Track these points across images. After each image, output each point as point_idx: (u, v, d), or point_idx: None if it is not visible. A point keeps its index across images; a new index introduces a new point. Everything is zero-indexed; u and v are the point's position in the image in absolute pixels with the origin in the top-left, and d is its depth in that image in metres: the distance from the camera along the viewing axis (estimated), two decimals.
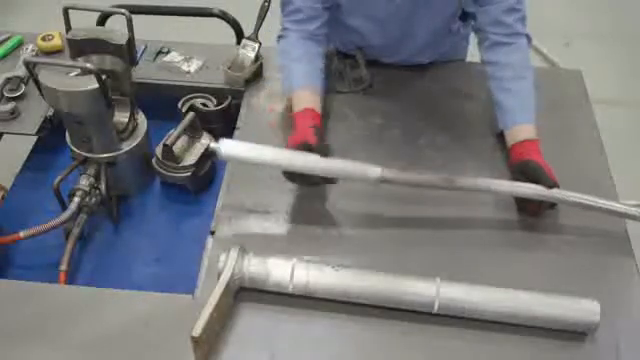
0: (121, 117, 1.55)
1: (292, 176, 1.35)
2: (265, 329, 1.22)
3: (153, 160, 1.59)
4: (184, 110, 1.69)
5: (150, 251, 1.56)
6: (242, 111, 1.66)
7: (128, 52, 1.49)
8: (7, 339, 1.20)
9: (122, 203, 1.63)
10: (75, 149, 1.54)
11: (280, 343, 1.20)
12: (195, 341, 1.10)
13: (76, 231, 1.51)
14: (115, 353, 1.18)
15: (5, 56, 1.82)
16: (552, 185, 1.34)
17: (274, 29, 1.71)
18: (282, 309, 1.24)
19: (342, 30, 1.66)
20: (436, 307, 1.20)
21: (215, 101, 1.74)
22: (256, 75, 1.74)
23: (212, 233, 1.37)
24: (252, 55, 1.73)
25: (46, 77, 1.39)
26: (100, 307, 1.25)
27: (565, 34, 3.53)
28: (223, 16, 1.94)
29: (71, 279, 1.46)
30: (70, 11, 1.51)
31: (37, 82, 1.40)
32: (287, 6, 1.56)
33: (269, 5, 1.76)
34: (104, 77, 1.39)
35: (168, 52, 1.84)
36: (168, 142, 1.54)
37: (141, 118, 1.61)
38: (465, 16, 1.66)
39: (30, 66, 1.43)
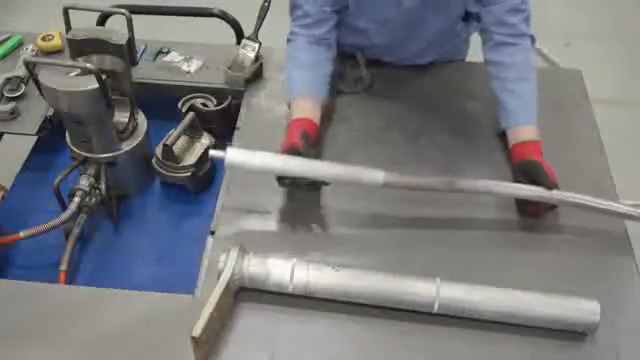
0: (121, 117, 1.55)
1: (282, 181, 1.35)
2: (265, 329, 1.22)
3: (153, 160, 1.59)
4: (184, 110, 1.69)
5: (150, 251, 1.57)
6: (242, 111, 1.66)
7: (128, 52, 1.49)
8: (7, 339, 1.20)
9: (122, 203, 1.63)
10: (75, 149, 1.54)
11: (280, 343, 1.20)
12: (195, 341, 1.10)
13: (76, 231, 1.51)
14: (115, 353, 1.18)
15: (5, 56, 1.82)
16: (552, 186, 1.34)
17: (274, 29, 1.72)
18: (282, 309, 1.24)
19: (346, 31, 1.66)
20: (436, 307, 1.20)
21: (215, 101, 1.74)
22: (256, 75, 1.74)
23: (212, 233, 1.37)
24: (252, 55, 1.73)
25: (46, 77, 1.39)
26: (100, 307, 1.25)
27: (565, 34, 3.53)
28: (223, 16, 1.94)
29: (71, 279, 1.46)
30: (70, 11, 1.51)
31: (37, 82, 1.40)
32: (295, 10, 1.55)
33: (269, 5, 1.76)
34: (104, 77, 1.39)
35: (168, 52, 1.84)
36: (168, 142, 1.54)
37: (141, 118, 1.61)
38: (467, 17, 1.66)
39: (30, 66, 1.43)
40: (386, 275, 1.23)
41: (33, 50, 1.81)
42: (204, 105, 1.72)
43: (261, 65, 1.75)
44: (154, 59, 1.82)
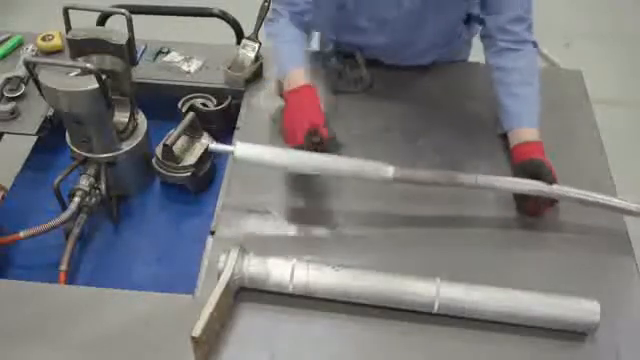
0: (121, 117, 1.55)
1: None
2: (265, 329, 1.22)
3: (153, 160, 1.59)
4: (184, 110, 1.69)
5: (150, 251, 1.56)
6: (242, 111, 1.66)
7: (128, 52, 1.49)
8: (7, 339, 1.20)
9: (122, 203, 1.63)
10: (75, 149, 1.54)
11: (280, 343, 1.20)
12: (195, 341, 1.10)
13: (76, 231, 1.51)
14: (115, 353, 1.18)
15: (5, 56, 1.82)
16: (552, 181, 1.34)
17: None
18: (282, 309, 1.24)
19: (346, 30, 1.66)
20: (436, 307, 1.20)
21: (215, 101, 1.74)
22: (256, 75, 1.74)
23: (212, 233, 1.37)
24: (252, 55, 1.73)
25: (46, 77, 1.39)
26: (100, 307, 1.25)
27: (565, 34, 3.53)
28: (223, 16, 1.94)
29: (71, 279, 1.46)
30: (70, 11, 1.51)
31: (37, 82, 1.40)
32: None
33: (269, 5, 1.75)
34: (104, 77, 1.39)
35: (168, 52, 1.84)
36: (168, 142, 1.54)
37: (141, 118, 1.61)
38: (469, 19, 1.66)
39: (30, 66, 1.43)
40: (386, 275, 1.23)
41: (33, 50, 1.81)
42: (204, 105, 1.72)
43: (261, 65, 1.75)
44: (154, 59, 1.82)
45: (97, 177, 1.54)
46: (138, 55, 1.77)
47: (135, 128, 1.59)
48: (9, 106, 1.64)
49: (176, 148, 1.57)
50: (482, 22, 1.58)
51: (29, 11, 3.46)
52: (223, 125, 1.70)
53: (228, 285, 1.18)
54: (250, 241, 1.29)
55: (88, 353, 1.18)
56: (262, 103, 1.69)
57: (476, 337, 1.22)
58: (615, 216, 1.40)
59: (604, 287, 1.29)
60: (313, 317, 1.23)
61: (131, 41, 1.51)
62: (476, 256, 1.36)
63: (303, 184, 1.46)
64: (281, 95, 1.56)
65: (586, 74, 1.81)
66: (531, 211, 1.42)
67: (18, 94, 1.69)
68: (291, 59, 1.53)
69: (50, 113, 1.66)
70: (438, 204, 1.43)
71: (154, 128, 1.63)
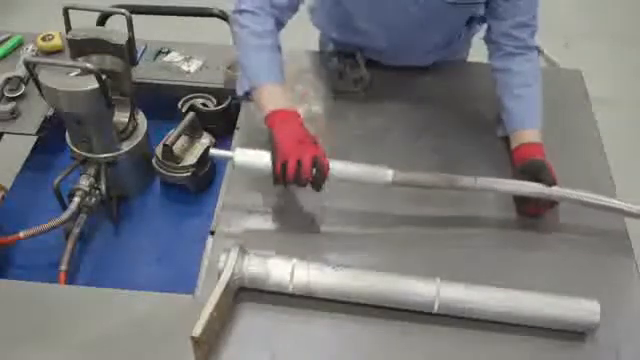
0: (121, 117, 1.55)
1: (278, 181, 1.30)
2: (265, 329, 1.22)
3: (153, 160, 1.60)
4: (184, 110, 1.69)
5: (150, 251, 1.57)
6: (242, 111, 1.66)
7: (128, 52, 1.49)
8: (7, 339, 1.19)
9: (122, 203, 1.63)
10: (75, 149, 1.54)
11: (280, 343, 1.20)
12: (195, 341, 1.10)
13: (76, 231, 1.51)
14: (115, 353, 1.18)
15: (5, 56, 1.82)
16: (552, 183, 1.34)
17: None
18: (282, 309, 1.24)
19: (348, 30, 1.65)
20: (436, 307, 1.20)
21: (215, 101, 1.74)
22: None
23: (212, 233, 1.37)
24: None
25: (46, 77, 1.39)
26: (100, 307, 1.25)
27: (565, 34, 3.53)
28: (223, 16, 1.93)
29: (71, 279, 1.46)
30: (70, 11, 1.51)
31: (37, 82, 1.40)
32: None
33: None
34: (104, 77, 1.39)
35: (168, 52, 1.84)
36: (168, 142, 1.54)
37: (141, 118, 1.61)
38: (470, 20, 1.66)
39: (30, 66, 1.43)
40: (386, 275, 1.23)
41: (33, 50, 1.81)
42: (204, 105, 1.72)
43: None
44: (154, 59, 1.83)
45: (97, 177, 1.54)
46: (138, 55, 1.77)
47: (135, 128, 1.59)
48: (9, 106, 1.65)
49: (176, 148, 1.57)
50: (483, 21, 1.58)
51: (29, 11, 3.46)
52: (223, 125, 1.70)
53: (228, 285, 1.18)
54: (250, 241, 1.29)
55: (88, 353, 1.18)
56: None
57: (476, 337, 1.22)
58: (615, 216, 1.40)
59: (604, 287, 1.29)
60: (313, 317, 1.23)
61: (131, 41, 1.51)
62: (476, 256, 1.36)
63: None
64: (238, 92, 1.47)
65: (586, 74, 1.81)
66: (531, 213, 1.42)
67: (18, 94, 1.69)
68: (270, 70, 1.39)
69: (50, 113, 1.66)
70: (438, 204, 1.43)
71: (154, 128, 1.63)
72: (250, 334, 1.21)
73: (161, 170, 1.58)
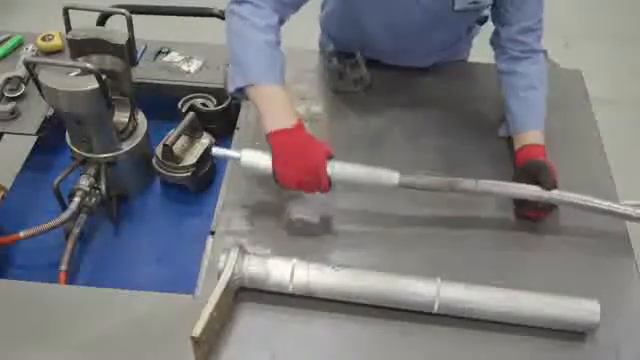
0: (121, 117, 1.55)
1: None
2: (265, 329, 1.22)
3: (153, 160, 1.60)
4: (184, 110, 1.69)
5: (150, 251, 1.57)
6: (242, 111, 1.66)
7: (128, 52, 1.49)
8: (7, 339, 1.19)
9: (122, 203, 1.63)
10: (75, 149, 1.54)
11: (280, 343, 1.20)
12: (195, 341, 1.10)
13: (76, 231, 1.51)
14: (115, 353, 1.18)
15: (5, 56, 1.82)
16: (551, 186, 1.34)
17: None
18: (282, 309, 1.24)
19: (349, 29, 1.65)
20: (436, 307, 1.20)
21: (215, 101, 1.74)
22: None
23: (212, 233, 1.37)
24: None
25: (46, 77, 1.39)
26: (100, 307, 1.25)
27: (565, 34, 3.53)
28: (223, 16, 1.93)
29: (71, 279, 1.46)
30: (70, 11, 1.51)
31: (37, 82, 1.40)
32: None
33: None
34: (104, 77, 1.39)
35: (168, 52, 1.84)
36: (168, 142, 1.54)
37: (141, 118, 1.61)
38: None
39: (30, 66, 1.43)
40: (386, 275, 1.23)
41: (33, 50, 1.81)
42: (204, 105, 1.72)
43: None
44: (154, 59, 1.82)
45: (97, 177, 1.54)
46: (138, 55, 1.77)
47: (135, 128, 1.59)
48: (9, 106, 1.64)
49: (176, 148, 1.57)
50: (484, 21, 1.58)
51: (29, 11, 3.46)
52: (223, 125, 1.70)
53: (228, 285, 1.18)
54: (250, 241, 1.29)
55: (88, 353, 1.18)
56: None
57: (476, 337, 1.22)
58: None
59: (604, 287, 1.29)
60: (313, 317, 1.23)
61: (131, 41, 1.51)
62: (476, 256, 1.36)
63: None
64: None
65: (586, 74, 1.81)
66: (531, 216, 1.41)
67: (18, 94, 1.69)
68: (271, 70, 1.31)
69: (50, 113, 1.66)
70: (438, 204, 1.42)
71: (154, 128, 1.63)
72: (250, 334, 1.21)
73: (161, 170, 1.58)
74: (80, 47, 1.49)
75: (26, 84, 1.71)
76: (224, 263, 1.20)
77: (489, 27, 1.58)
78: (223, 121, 1.71)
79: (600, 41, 3.54)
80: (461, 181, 1.35)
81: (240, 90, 1.33)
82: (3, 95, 1.68)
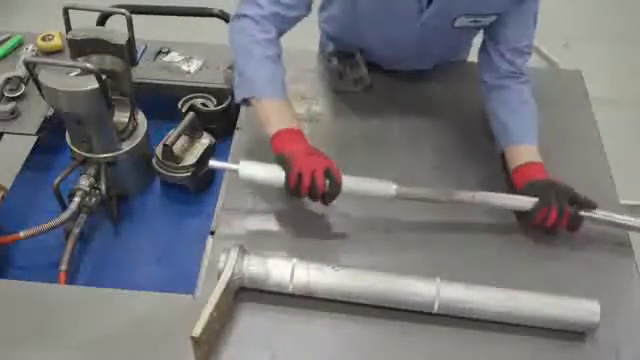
0: (121, 117, 1.55)
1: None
2: (265, 329, 1.22)
3: (153, 160, 1.60)
4: (184, 110, 1.69)
5: (150, 251, 1.57)
6: (242, 111, 1.66)
7: (128, 52, 1.49)
8: (7, 339, 1.19)
9: (122, 203, 1.63)
10: (75, 149, 1.54)
11: (280, 343, 1.20)
12: (195, 341, 1.10)
13: (76, 231, 1.51)
14: (115, 353, 1.18)
15: (5, 56, 1.82)
16: (592, 206, 1.33)
17: None
18: (282, 309, 1.24)
19: (350, 35, 1.66)
20: (436, 307, 1.20)
21: (215, 101, 1.74)
22: None
23: (212, 233, 1.37)
24: None
25: (46, 77, 1.39)
26: (100, 307, 1.25)
27: (565, 34, 3.53)
28: (223, 16, 1.93)
29: (71, 279, 1.46)
30: (70, 11, 1.51)
31: (37, 82, 1.40)
32: None
33: None
34: (104, 77, 1.39)
35: (168, 52, 1.84)
36: (168, 142, 1.54)
37: (141, 118, 1.61)
38: None
39: (30, 66, 1.43)
40: (386, 275, 1.23)
41: (33, 50, 1.81)
42: (204, 105, 1.72)
43: None
44: (154, 59, 1.82)
45: (97, 177, 1.54)
46: (138, 55, 1.77)
47: (135, 128, 1.59)
48: (9, 106, 1.64)
49: (176, 148, 1.57)
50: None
51: (29, 11, 3.46)
52: (223, 125, 1.70)
53: (228, 285, 1.18)
54: (250, 241, 1.29)
55: (88, 353, 1.18)
56: None
57: (476, 337, 1.22)
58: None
59: (604, 287, 1.29)
60: (313, 317, 1.23)
61: (131, 41, 1.51)
62: (476, 256, 1.36)
63: None
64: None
65: (586, 74, 1.81)
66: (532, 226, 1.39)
67: (18, 94, 1.69)
68: (273, 84, 1.39)
69: (50, 113, 1.66)
70: (438, 206, 1.42)
71: (154, 128, 1.63)
72: (250, 334, 1.21)
73: (161, 170, 1.58)
74: (80, 47, 1.49)
75: (26, 84, 1.71)
76: (224, 263, 1.20)
77: None
78: (223, 121, 1.71)
79: (600, 41, 3.54)
80: (458, 193, 1.35)
81: (245, 100, 1.42)
82: (3, 95, 1.68)
